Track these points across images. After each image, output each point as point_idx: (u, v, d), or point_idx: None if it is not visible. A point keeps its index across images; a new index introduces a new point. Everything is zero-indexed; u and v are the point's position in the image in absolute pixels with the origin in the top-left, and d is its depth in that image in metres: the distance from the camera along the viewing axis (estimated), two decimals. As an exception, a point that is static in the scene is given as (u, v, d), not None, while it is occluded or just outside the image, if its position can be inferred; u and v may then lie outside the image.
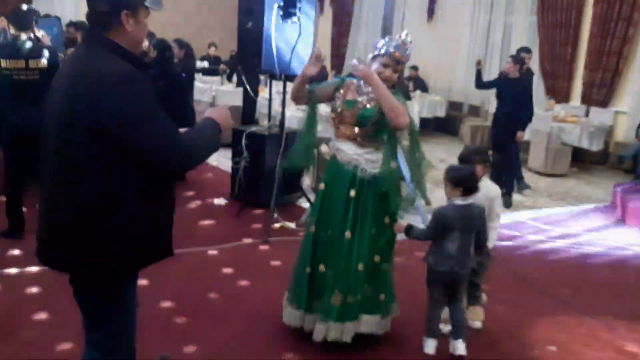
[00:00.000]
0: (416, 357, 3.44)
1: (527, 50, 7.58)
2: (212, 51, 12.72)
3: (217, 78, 10.82)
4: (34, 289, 3.95)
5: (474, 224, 3.36)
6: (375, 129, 3.25)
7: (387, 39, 3.32)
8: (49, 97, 2.12)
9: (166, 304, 3.86)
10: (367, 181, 3.27)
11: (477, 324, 3.78)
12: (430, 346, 3.46)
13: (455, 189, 3.31)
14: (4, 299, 3.84)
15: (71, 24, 8.01)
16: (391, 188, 3.27)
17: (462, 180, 3.32)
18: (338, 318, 3.29)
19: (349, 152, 3.29)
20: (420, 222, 5.73)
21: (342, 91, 3.38)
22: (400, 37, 3.28)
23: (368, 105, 3.25)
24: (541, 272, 4.92)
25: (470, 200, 3.33)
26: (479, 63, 7.40)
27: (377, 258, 3.35)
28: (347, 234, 3.27)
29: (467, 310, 3.73)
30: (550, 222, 6.36)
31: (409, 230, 3.39)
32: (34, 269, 4.14)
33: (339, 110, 3.32)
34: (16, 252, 4.54)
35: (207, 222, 5.63)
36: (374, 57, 3.29)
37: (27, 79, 4.55)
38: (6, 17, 5.45)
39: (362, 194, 3.27)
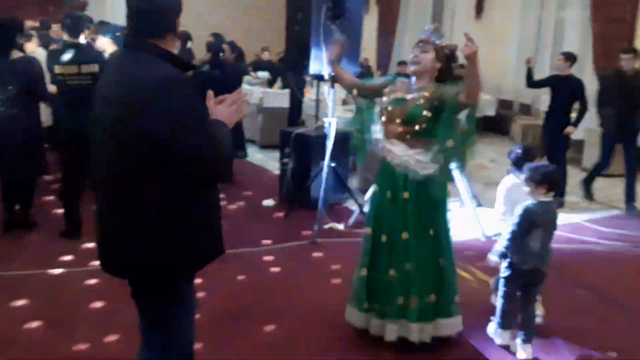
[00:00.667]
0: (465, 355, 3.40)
1: (627, 50, 6.78)
2: (265, 55, 12.50)
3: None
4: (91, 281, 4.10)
5: (554, 220, 3.39)
6: (425, 127, 3.22)
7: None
8: (95, 103, 2.13)
9: (217, 303, 3.89)
10: (418, 183, 3.24)
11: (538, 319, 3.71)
12: (505, 338, 3.47)
13: (539, 187, 3.33)
14: (62, 293, 3.96)
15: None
16: (441, 171, 3.25)
17: (546, 177, 3.34)
18: (418, 319, 3.30)
19: (399, 153, 3.27)
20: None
21: (391, 90, 3.40)
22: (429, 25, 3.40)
23: (417, 103, 3.23)
24: (599, 276, 4.75)
25: (551, 197, 3.36)
26: (528, 61, 7.19)
27: (441, 261, 3.35)
28: (404, 235, 3.27)
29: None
30: (607, 224, 6.13)
31: (501, 254, 3.43)
32: (90, 267, 4.25)
33: (387, 108, 3.33)
34: (69, 256, 4.64)
35: (255, 223, 5.66)
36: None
37: (80, 84, 4.66)
38: (60, 24, 5.62)
39: (415, 196, 3.25)
